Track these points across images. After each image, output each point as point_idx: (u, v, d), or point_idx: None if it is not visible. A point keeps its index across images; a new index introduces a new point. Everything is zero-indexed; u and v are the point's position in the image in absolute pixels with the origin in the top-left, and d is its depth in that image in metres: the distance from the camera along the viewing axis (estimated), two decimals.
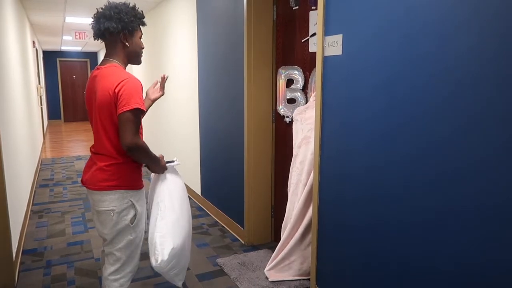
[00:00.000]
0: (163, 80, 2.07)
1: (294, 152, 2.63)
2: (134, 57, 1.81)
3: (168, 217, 1.84)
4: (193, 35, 4.17)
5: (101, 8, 1.72)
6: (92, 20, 1.74)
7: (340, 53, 1.95)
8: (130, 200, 1.75)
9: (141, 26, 1.81)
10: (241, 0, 3.04)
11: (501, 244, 1.31)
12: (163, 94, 2.04)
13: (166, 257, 1.79)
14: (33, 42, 7.82)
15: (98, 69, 1.75)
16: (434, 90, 1.49)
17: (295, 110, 2.69)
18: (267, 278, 2.65)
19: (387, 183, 1.73)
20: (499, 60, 1.27)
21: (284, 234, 2.66)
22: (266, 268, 2.70)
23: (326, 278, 2.21)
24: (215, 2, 3.57)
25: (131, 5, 1.76)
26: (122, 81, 1.62)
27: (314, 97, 2.55)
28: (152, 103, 2.03)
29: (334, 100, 2.03)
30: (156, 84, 2.06)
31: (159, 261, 1.80)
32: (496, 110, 1.30)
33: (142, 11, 1.80)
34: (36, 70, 8.21)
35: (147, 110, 1.85)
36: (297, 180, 2.58)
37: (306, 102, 2.75)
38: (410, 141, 1.60)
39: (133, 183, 1.76)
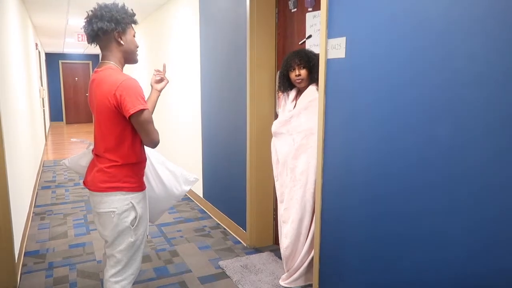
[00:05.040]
0: (164, 69, 2.07)
1: (290, 166, 2.48)
2: (130, 56, 1.81)
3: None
4: (196, 37, 4.18)
5: (91, 11, 1.73)
6: (84, 23, 1.75)
7: (343, 56, 1.95)
8: (131, 202, 1.75)
9: (133, 25, 1.81)
10: (244, 3, 3.05)
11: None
12: (168, 82, 2.04)
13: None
14: (36, 44, 7.84)
15: (96, 72, 1.75)
16: (442, 94, 1.49)
17: (276, 124, 2.59)
18: (269, 281, 2.64)
19: (391, 188, 1.73)
20: (506, 60, 1.27)
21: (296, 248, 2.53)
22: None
23: (329, 279, 2.20)
24: (217, 5, 3.58)
25: (120, 5, 1.77)
26: (120, 83, 1.62)
27: (293, 105, 2.54)
28: (160, 93, 2.02)
29: (337, 103, 2.03)
30: (157, 74, 2.04)
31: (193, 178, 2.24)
32: (503, 113, 1.29)
33: (132, 10, 1.80)
34: (39, 72, 8.24)
35: (156, 101, 1.97)
36: (302, 193, 2.43)
37: None
38: (414, 145, 1.60)
39: (133, 184, 1.76)
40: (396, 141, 1.69)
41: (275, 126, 2.61)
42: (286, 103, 2.61)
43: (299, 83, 2.48)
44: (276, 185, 2.69)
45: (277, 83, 3.05)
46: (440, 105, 1.48)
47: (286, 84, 2.57)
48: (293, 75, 2.48)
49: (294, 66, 2.46)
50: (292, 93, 2.58)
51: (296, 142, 2.47)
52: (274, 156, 2.68)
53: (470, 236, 1.42)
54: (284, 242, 2.57)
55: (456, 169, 1.44)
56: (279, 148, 2.60)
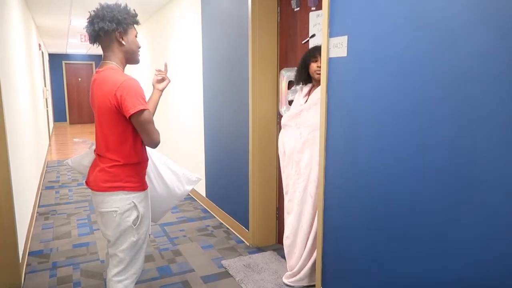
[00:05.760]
0: (166, 68, 2.07)
1: (296, 159, 2.52)
2: (132, 56, 1.82)
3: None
4: (198, 37, 4.18)
5: (93, 11, 1.73)
6: (86, 23, 1.76)
7: (345, 55, 1.95)
8: (133, 202, 1.75)
9: (135, 25, 1.82)
10: (246, 2, 3.05)
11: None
12: (169, 81, 2.05)
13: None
14: (39, 45, 7.88)
15: (97, 72, 1.76)
16: (444, 92, 1.48)
17: (286, 116, 2.61)
18: (272, 280, 2.64)
19: (392, 185, 1.72)
20: (509, 60, 1.26)
21: (299, 243, 2.56)
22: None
23: (331, 280, 2.20)
24: (219, 4, 3.58)
25: (122, 5, 1.77)
26: (121, 83, 1.63)
27: (305, 100, 2.53)
28: (162, 93, 2.03)
29: (339, 102, 2.03)
30: (158, 74, 2.04)
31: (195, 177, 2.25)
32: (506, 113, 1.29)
33: (134, 10, 1.81)
34: (42, 73, 8.27)
35: (158, 101, 1.96)
36: (304, 186, 2.48)
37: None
38: (414, 142, 1.60)
39: (135, 184, 1.77)
40: (398, 139, 1.68)
41: (285, 118, 2.63)
42: (299, 97, 2.60)
43: (318, 74, 2.42)
44: (282, 176, 2.71)
45: (280, 82, 3.05)
46: (443, 104, 1.48)
47: (304, 76, 2.52)
48: (314, 66, 2.43)
49: (317, 57, 2.40)
50: (306, 88, 2.56)
51: (303, 136, 2.48)
52: (281, 148, 2.69)
53: (474, 240, 1.41)
54: (286, 231, 2.64)
55: (458, 167, 1.44)
56: (287, 141, 2.62)
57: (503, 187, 1.30)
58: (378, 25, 1.74)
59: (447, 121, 1.47)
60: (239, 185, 3.44)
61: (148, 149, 1.91)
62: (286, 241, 2.63)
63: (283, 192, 3.14)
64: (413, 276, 1.66)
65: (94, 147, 1.89)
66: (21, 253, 2.81)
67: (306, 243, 2.52)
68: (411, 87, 1.60)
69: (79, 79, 13.32)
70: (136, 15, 1.81)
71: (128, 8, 1.78)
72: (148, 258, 3.04)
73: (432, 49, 1.50)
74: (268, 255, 3.06)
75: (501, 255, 1.32)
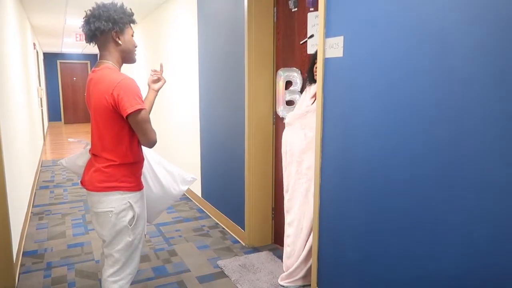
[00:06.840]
0: (161, 69, 2.07)
1: (298, 159, 2.52)
2: (128, 55, 1.81)
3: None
4: (194, 36, 4.18)
5: (90, 10, 1.73)
6: (82, 22, 1.75)
7: (341, 55, 1.95)
8: (129, 202, 1.75)
9: (132, 24, 1.81)
10: (242, 2, 3.05)
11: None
12: (165, 82, 2.04)
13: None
14: (34, 44, 7.83)
15: (93, 71, 1.75)
16: (438, 92, 1.49)
17: (291, 115, 2.61)
18: (267, 280, 2.64)
19: (387, 186, 1.73)
20: (504, 59, 1.27)
21: (299, 244, 2.56)
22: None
23: (326, 280, 2.21)
24: (215, 4, 3.58)
25: (119, 4, 1.77)
26: (118, 83, 1.62)
27: (312, 101, 2.51)
28: (157, 93, 2.03)
29: (335, 102, 2.03)
30: (154, 74, 2.04)
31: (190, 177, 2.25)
32: (498, 110, 1.30)
33: (131, 9, 1.81)
34: (37, 72, 8.22)
35: (154, 101, 1.97)
36: (307, 187, 2.48)
37: None
38: (410, 144, 1.60)
39: (131, 184, 1.76)
40: (393, 138, 1.69)
41: (290, 118, 2.61)
42: (305, 97, 2.59)
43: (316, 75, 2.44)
44: (283, 175, 2.71)
45: (277, 83, 3.05)
46: (439, 105, 1.48)
47: (310, 77, 2.52)
48: (314, 67, 2.43)
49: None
50: (314, 89, 2.52)
51: (308, 137, 2.48)
52: (284, 147, 2.68)
53: (469, 233, 1.42)
54: (288, 230, 2.61)
55: (452, 164, 1.45)
56: (290, 140, 2.61)
57: (499, 187, 1.31)
58: (374, 26, 1.75)
59: (443, 122, 1.47)
60: (235, 185, 3.44)
61: (143, 149, 1.91)
62: (287, 240, 2.62)
63: (279, 192, 3.16)
64: (407, 277, 1.67)
65: (89, 147, 1.88)
66: (15, 253, 2.79)
67: (305, 244, 2.52)
68: (407, 87, 1.61)
69: (74, 78, 13.25)
70: (132, 14, 1.80)
71: (124, 7, 1.78)
72: (144, 258, 3.03)
73: (427, 48, 1.51)
74: (264, 255, 3.07)
75: (495, 254, 1.33)
